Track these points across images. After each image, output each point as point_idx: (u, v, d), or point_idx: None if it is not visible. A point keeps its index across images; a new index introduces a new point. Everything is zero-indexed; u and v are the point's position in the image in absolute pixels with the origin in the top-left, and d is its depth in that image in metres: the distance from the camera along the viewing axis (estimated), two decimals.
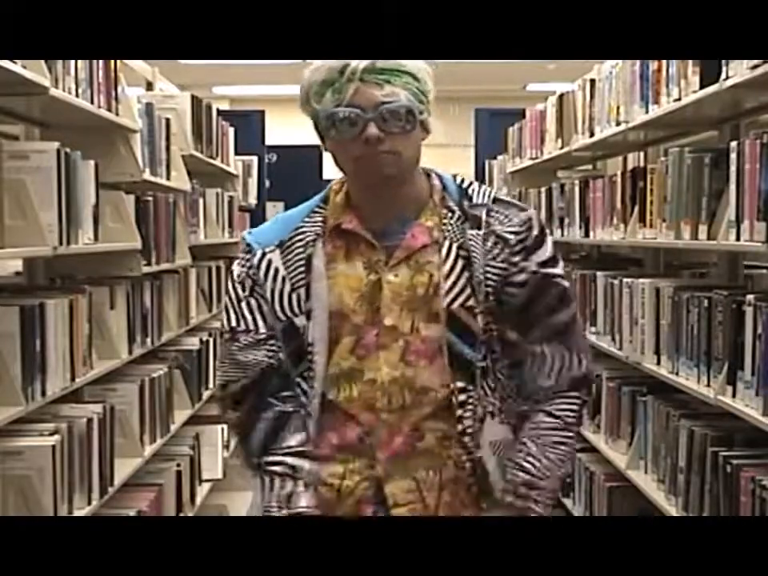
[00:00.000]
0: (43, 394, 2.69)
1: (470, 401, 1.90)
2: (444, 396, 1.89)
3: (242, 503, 5.58)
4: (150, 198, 3.73)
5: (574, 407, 1.94)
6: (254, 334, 1.94)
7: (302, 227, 1.94)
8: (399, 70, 1.87)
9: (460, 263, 1.89)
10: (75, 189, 2.85)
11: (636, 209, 3.43)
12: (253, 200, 6.64)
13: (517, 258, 1.90)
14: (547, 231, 1.97)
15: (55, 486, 2.68)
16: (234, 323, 1.95)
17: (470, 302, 1.88)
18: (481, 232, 1.90)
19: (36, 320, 2.65)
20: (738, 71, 2.50)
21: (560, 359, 1.93)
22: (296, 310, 1.92)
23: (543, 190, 5.07)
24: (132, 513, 3.38)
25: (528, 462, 1.90)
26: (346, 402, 1.90)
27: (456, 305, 1.88)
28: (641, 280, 3.39)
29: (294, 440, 1.92)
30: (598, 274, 3.94)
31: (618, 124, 3.69)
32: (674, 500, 3.05)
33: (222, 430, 4.94)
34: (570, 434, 1.94)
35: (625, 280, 3.55)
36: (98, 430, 3.03)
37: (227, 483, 5.39)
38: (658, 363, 3.24)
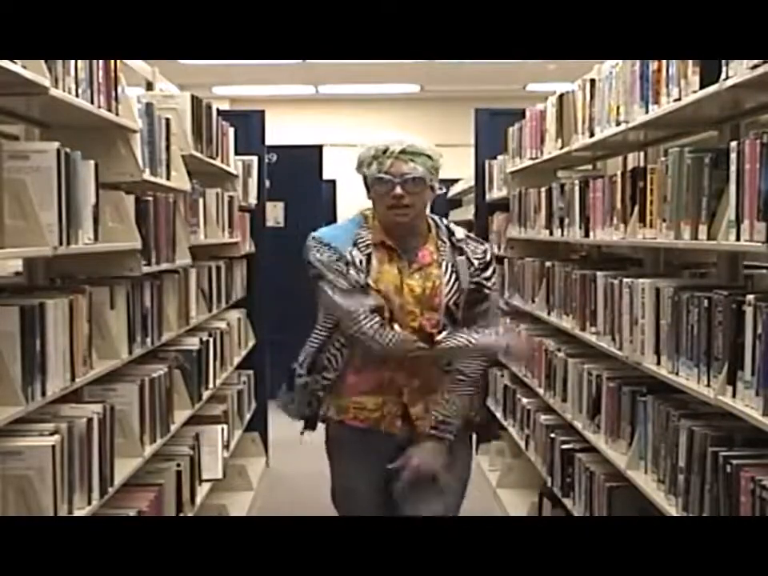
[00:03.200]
0: (43, 394, 2.69)
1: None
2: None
3: (241, 503, 5.60)
4: (150, 198, 3.72)
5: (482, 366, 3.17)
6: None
7: (360, 236, 3.09)
8: (422, 153, 3.02)
9: (453, 277, 3.09)
10: (75, 189, 2.85)
11: (636, 209, 3.43)
12: (253, 200, 6.62)
13: (475, 275, 3.11)
14: (493, 257, 3.19)
15: (55, 486, 2.68)
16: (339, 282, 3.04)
17: (458, 301, 3.09)
18: (463, 258, 3.11)
19: (36, 320, 2.65)
20: (738, 71, 2.49)
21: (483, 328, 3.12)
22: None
23: (543, 190, 5.07)
24: (132, 513, 3.38)
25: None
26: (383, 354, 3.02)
27: (451, 302, 3.08)
28: (641, 280, 3.39)
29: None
30: (598, 273, 3.93)
31: (618, 124, 3.68)
32: (674, 500, 3.05)
33: (222, 429, 4.94)
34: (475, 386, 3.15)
35: (625, 280, 3.55)
36: (98, 430, 3.02)
37: (227, 483, 5.40)
38: (658, 363, 3.24)
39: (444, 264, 3.08)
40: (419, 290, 3.05)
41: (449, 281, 3.07)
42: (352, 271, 3.01)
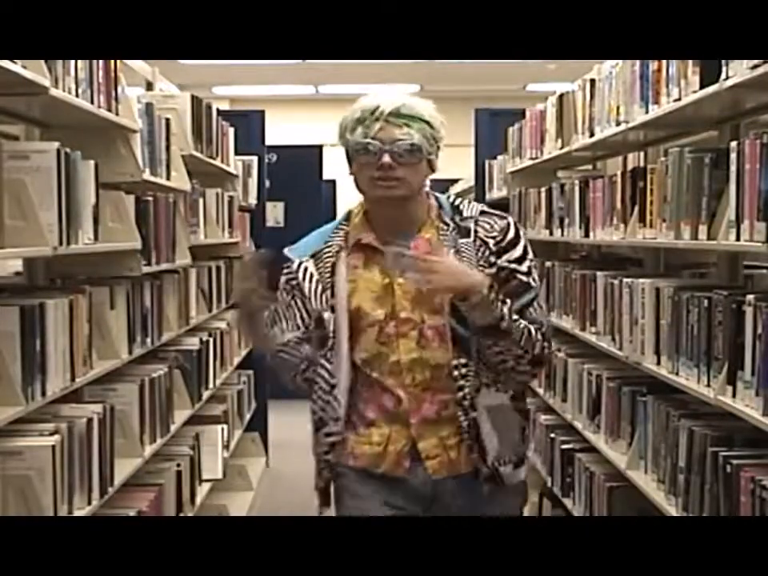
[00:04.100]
0: (43, 394, 2.69)
1: (470, 373, 2.36)
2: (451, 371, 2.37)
3: (241, 503, 5.59)
4: (150, 198, 3.72)
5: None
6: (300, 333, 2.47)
7: (329, 241, 2.46)
8: (418, 117, 2.36)
9: None
10: (75, 189, 2.85)
11: (636, 209, 3.43)
12: (253, 200, 6.63)
13: (493, 258, 2.37)
14: (522, 234, 2.43)
15: (55, 486, 2.68)
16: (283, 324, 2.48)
17: None
18: (470, 240, 2.38)
19: (36, 320, 2.65)
20: (738, 71, 2.49)
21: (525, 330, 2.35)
22: (324, 305, 2.41)
23: (543, 190, 5.07)
24: (132, 513, 3.38)
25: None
26: (379, 378, 2.40)
27: (456, 298, 2.30)
28: (641, 280, 3.39)
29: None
30: (598, 273, 3.94)
31: (618, 124, 3.68)
32: (674, 500, 3.05)
33: (222, 429, 4.95)
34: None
35: (625, 280, 3.55)
36: (97, 430, 3.02)
37: (227, 483, 5.40)
38: (658, 363, 3.24)
39: (445, 251, 2.36)
40: (413, 290, 2.36)
41: None
42: (310, 287, 2.43)
